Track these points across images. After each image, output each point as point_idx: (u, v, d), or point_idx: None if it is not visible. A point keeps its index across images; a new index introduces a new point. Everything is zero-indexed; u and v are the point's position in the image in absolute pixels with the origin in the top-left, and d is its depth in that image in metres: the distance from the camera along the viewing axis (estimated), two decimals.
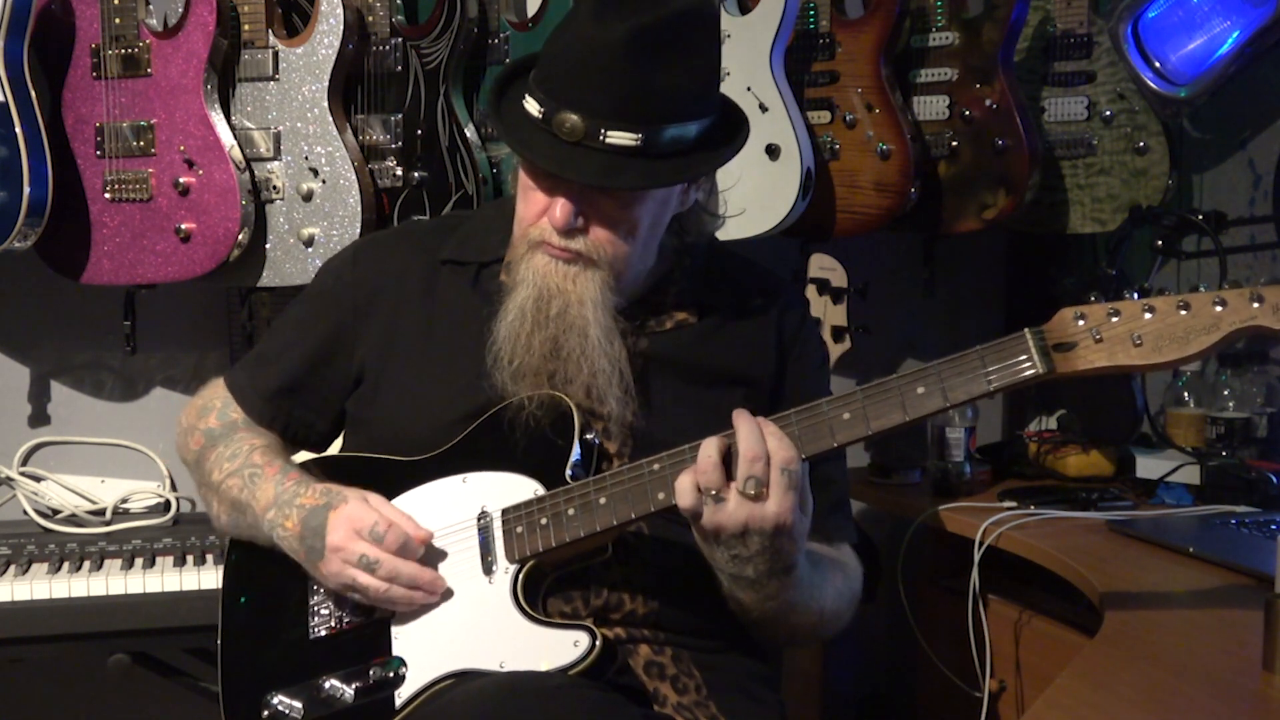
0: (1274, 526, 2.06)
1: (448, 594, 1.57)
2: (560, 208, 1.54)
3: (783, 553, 1.46)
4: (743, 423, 1.43)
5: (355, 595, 1.57)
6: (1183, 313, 1.38)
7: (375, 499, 1.59)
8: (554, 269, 1.57)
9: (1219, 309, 1.38)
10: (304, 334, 1.76)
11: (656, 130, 1.50)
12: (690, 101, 1.53)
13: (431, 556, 1.58)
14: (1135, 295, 1.41)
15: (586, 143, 1.49)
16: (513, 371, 1.58)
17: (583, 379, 1.58)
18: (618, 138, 1.49)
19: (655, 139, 1.50)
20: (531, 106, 1.53)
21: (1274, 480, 2.23)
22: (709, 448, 1.43)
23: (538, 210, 1.57)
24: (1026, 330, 1.42)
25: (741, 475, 1.41)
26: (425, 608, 1.57)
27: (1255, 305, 1.37)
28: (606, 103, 1.48)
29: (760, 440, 1.42)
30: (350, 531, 1.54)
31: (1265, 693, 1.44)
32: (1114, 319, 1.40)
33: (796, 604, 1.54)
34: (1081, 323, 1.41)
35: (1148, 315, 1.39)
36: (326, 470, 1.71)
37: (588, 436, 1.59)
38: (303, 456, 1.79)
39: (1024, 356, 1.41)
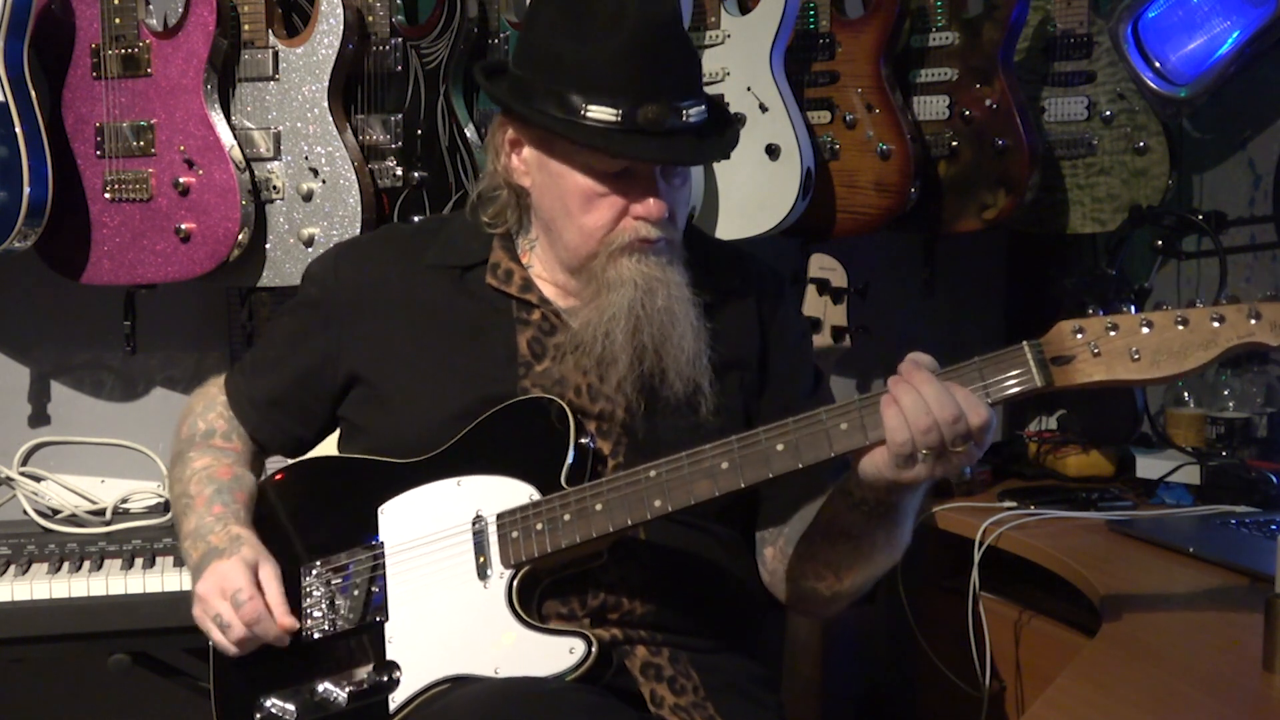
0: (1274, 526, 2.07)
1: (442, 598, 1.57)
2: (656, 203, 1.57)
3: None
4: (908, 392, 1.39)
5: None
6: (1180, 328, 1.38)
7: (267, 572, 1.60)
8: (648, 263, 1.59)
9: (1216, 325, 1.37)
10: (293, 347, 1.77)
11: (706, 97, 1.59)
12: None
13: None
14: (1133, 308, 1.41)
15: (672, 126, 1.53)
16: (622, 370, 1.59)
17: (684, 368, 1.59)
18: (695, 113, 1.55)
19: (708, 105, 1.58)
20: (603, 113, 1.52)
21: (1274, 480, 2.23)
22: (909, 398, 1.39)
23: (615, 214, 1.58)
24: (1025, 343, 1.41)
25: (950, 440, 1.39)
26: (420, 611, 1.57)
27: (1253, 322, 1.36)
28: (679, 83, 1.55)
29: (952, 402, 1.38)
30: (216, 588, 1.58)
31: (1265, 693, 1.44)
32: (1112, 333, 1.39)
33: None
34: (1080, 336, 1.40)
35: (1145, 330, 1.39)
36: (322, 472, 1.71)
37: (582, 440, 1.58)
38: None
39: (1022, 369, 1.41)
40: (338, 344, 1.72)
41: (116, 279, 2.39)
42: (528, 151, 1.64)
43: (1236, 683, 1.47)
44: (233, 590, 1.57)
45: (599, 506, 1.51)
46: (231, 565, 1.59)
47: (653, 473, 1.49)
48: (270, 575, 1.60)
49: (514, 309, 1.67)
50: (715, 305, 1.69)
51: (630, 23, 1.50)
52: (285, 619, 1.58)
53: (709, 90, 1.71)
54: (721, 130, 1.62)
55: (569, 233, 1.61)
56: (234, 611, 1.56)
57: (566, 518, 1.52)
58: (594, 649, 1.47)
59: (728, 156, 1.63)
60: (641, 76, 1.52)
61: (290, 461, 1.78)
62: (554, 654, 1.48)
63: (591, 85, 1.52)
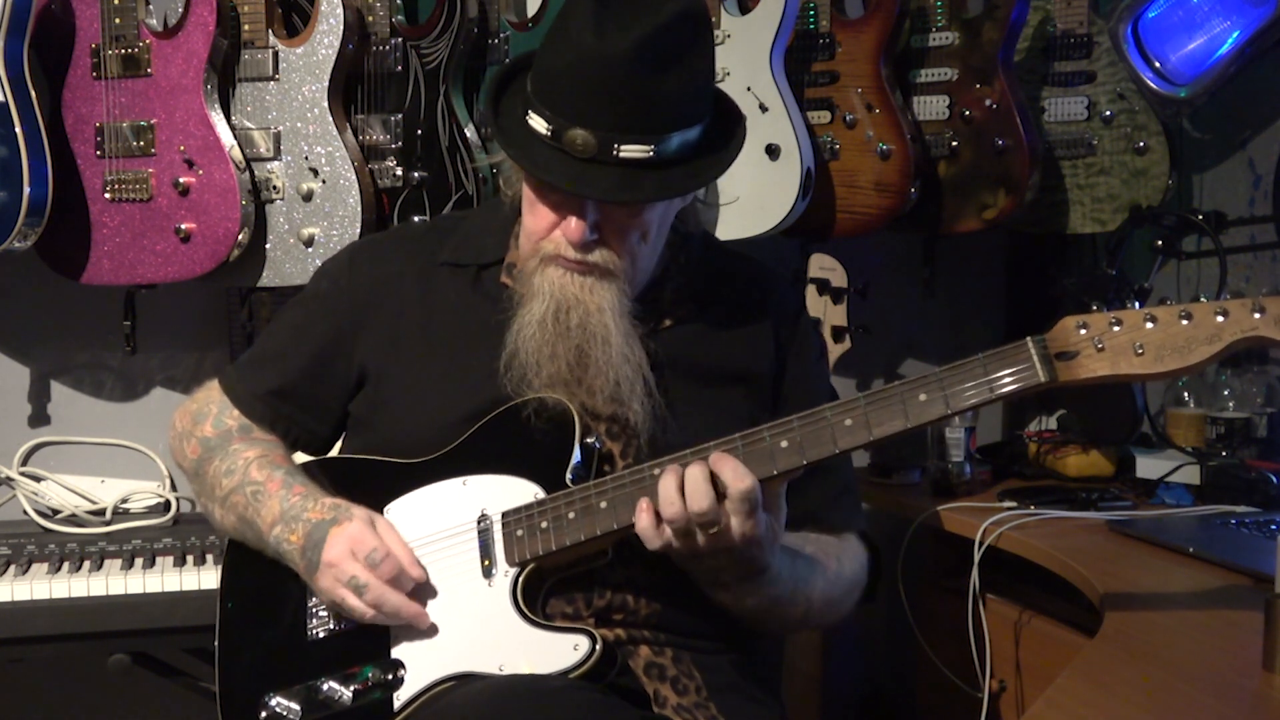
0: (1274, 526, 2.07)
1: (447, 597, 1.57)
2: (575, 225, 1.54)
3: (754, 560, 1.48)
4: (670, 481, 1.45)
5: (342, 613, 1.58)
6: (1184, 322, 1.38)
7: (383, 524, 1.59)
8: (570, 280, 1.57)
9: (1220, 319, 1.37)
10: (302, 339, 1.75)
11: (666, 139, 1.50)
12: (694, 105, 1.54)
13: (424, 591, 1.57)
14: (1136, 303, 1.41)
15: (600, 158, 1.49)
16: (544, 381, 1.58)
17: (609, 386, 1.58)
18: (631, 151, 1.49)
19: (666, 148, 1.50)
20: (538, 124, 1.52)
21: (1274, 480, 2.23)
22: (668, 487, 1.44)
23: (548, 224, 1.57)
24: (1029, 338, 1.42)
25: (696, 522, 1.43)
26: (425, 610, 1.57)
27: (1257, 315, 1.37)
28: (618, 117, 1.48)
29: (706, 493, 1.43)
30: (347, 551, 1.54)
31: (1265, 693, 1.44)
32: (1116, 328, 1.40)
33: (780, 598, 1.56)
34: (1084, 331, 1.41)
35: (1149, 325, 1.39)
36: (326, 472, 1.71)
37: (588, 440, 1.59)
38: (301, 457, 1.79)
39: (1026, 365, 1.41)
40: (351, 336, 1.72)
41: (116, 279, 2.39)
42: None
43: (1236, 683, 1.47)
44: (366, 551, 1.53)
45: (604, 504, 1.51)
46: (356, 527, 1.55)
47: (657, 470, 1.49)
48: (388, 528, 1.58)
49: None
50: (726, 313, 1.70)
51: (586, 46, 1.47)
52: (415, 569, 1.55)
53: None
54: (682, 168, 1.53)
55: (522, 229, 1.63)
56: (370, 572, 1.53)
57: (571, 515, 1.52)
58: (598, 646, 1.48)
59: (654, 200, 1.54)
60: (578, 100, 1.48)
61: (296, 462, 1.78)
62: (558, 651, 1.48)
63: (540, 94, 1.52)
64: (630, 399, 1.58)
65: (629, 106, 1.48)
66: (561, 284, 1.57)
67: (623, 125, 1.48)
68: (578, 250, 1.55)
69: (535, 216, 1.58)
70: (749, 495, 1.42)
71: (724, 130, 1.59)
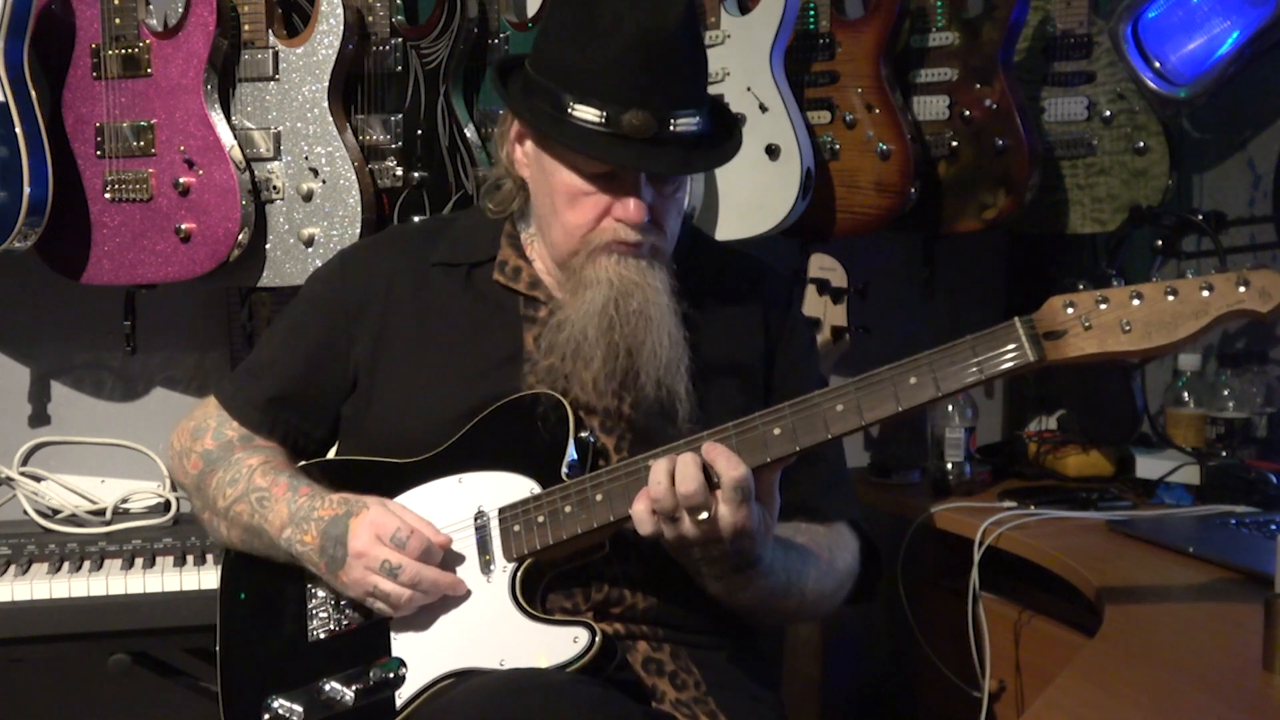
0: (1274, 526, 2.07)
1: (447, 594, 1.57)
2: (636, 206, 1.56)
3: (745, 552, 1.48)
4: (661, 465, 1.45)
5: (377, 604, 1.57)
6: (1170, 298, 1.40)
7: (395, 505, 1.59)
8: (626, 265, 1.58)
9: (1206, 294, 1.39)
10: (296, 343, 1.76)
11: (705, 109, 1.57)
12: (707, 79, 1.62)
13: (449, 561, 1.58)
14: (1122, 282, 1.42)
15: (659, 136, 1.52)
16: (590, 377, 1.59)
17: (656, 372, 1.59)
18: (684, 124, 1.54)
19: (706, 117, 1.57)
20: (588, 114, 1.53)
21: (1274, 480, 2.23)
22: (658, 471, 1.44)
23: (597, 214, 1.58)
24: (1016, 319, 1.43)
25: (685, 509, 1.43)
26: (425, 608, 1.57)
27: (1241, 289, 1.38)
28: (672, 93, 1.53)
29: (695, 476, 1.43)
30: (373, 537, 1.54)
31: (1265, 693, 1.44)
32: (1102, 306, 1.41)
33: (773, 590, 1.56)
34: (1071, 310, 1.42)
35: (1136, 302, 1.40)
36: (323, 474, 1.71)
37: (583, 434, 1.59)
38: None
39: (1014, 344, 1.42)
40: (346, 337, 1.72)
41: (116, 279, 2.39)
42: (529, 145, 1.66)
43: (1236, 683, 1.47)
44: (390, 533, 1.54)
45: (599, 497, 1.52)
46: (376, 513, 1.56)
47: (651, 462, 1.49)
48: (401, 508, 1.59)
49: (521, 306, 1.68)
50: (720, 309, 1.70)
51: (626, 31, 1.50)
52: (440, 537, 1.56)
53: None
54: (718, 142, 1.60)
55: (555, 229, 1.63)
56: (399, 553, 1.53)
57: (568, 509, 1.53)
58: (598, 638, 1.48)
59: (709, 169, 1.62)
60: (630, 83, 1.51)
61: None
62: (558, 644, 1.49)
63: (583, 87, 1.53)
64: (675, 381, 1.59)
65: (681, 82, 1.54)
66: (618, 270, 1.58)
67: (676, 100, 1.53)
68: (638, 231, 1.57)
69: (579, 210, 1.59)
70: (741, 484, 1.42)
71: (716, 107, 1.65)
